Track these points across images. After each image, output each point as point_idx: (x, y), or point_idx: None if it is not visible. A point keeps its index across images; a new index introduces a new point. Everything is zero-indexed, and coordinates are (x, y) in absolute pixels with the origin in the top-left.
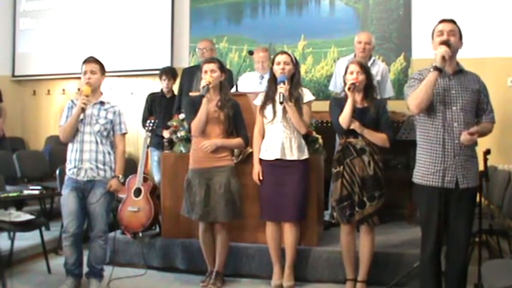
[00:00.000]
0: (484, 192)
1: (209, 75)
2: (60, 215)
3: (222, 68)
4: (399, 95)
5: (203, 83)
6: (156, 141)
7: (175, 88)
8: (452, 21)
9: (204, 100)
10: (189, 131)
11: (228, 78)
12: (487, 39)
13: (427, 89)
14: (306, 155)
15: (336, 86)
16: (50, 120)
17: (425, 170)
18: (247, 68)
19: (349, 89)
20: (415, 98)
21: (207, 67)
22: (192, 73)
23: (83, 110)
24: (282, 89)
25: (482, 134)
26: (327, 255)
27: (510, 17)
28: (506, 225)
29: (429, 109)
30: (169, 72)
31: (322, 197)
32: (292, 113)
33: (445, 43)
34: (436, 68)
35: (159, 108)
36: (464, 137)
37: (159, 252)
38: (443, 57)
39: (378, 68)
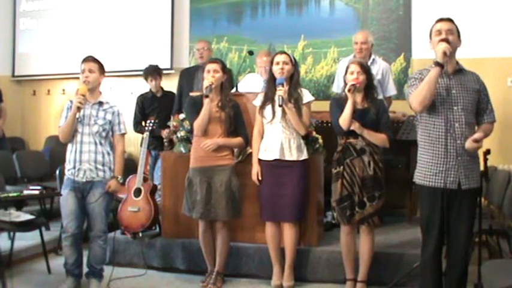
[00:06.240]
0: (484, 192)
1: (212, 76)
2: (60, 215)
3: (224, 68)
4: (399, 95)
5: (206, 83)
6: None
7: (163, 85)
8: (450, 20)
9: (207, 100)
10: (189, 131)
11: (228, 78)
12: (487, 39)
13: (429, 85)
14: (305, 156)
15: (338, 88)
16: (50, 120)
17: (427, 171)
18: (247, 68)
19: (349, 90)
20: (417, 95)
21: (210, 67)
22: (191, 74)
23: (79, 109)
24: (281, 91)
25: (485, 136)
26: (327, 255)
27: (510, 17)
28: (506, 225)
29: (430, 109)
30: (155, 72)
31: (322, 197)
32: (292, 115)
33: (445, 41)
34: (437, 64)
35: (151, 108)
36: (470, 144)
37: (159, 252)
38: (444, 53)
39: (378, 67)
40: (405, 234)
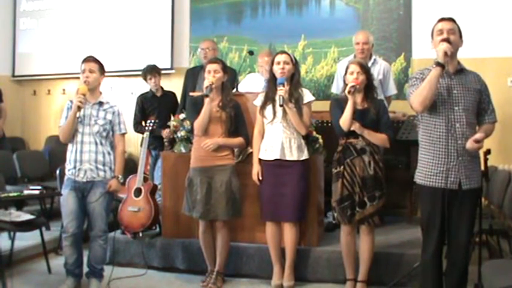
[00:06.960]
0: (484, 192)
1: (212, 76)
2: (60, 215)
3: (224, 68)
4: (399, 94)
5: (206, 83)
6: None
7: (163, 84)
8: (452, 20)
9: (207, 100)
10: (189, 130)
11: (231, 78)
12: (487, 39)
13: (430, 85)
14: (305, 156)
15: (338, 88)
16: (50, 120)
17: (428, 171)
18: (248, 68)
19: (349, 92)
20: (418, 95)
21: (210, 67)
22: (195, 74)
23: (79, 108)
24: (282, 91)
25: (486, 136)
26: (327, 255)
27: (510, 17)
28: (506, 225)
29: (431, 109)
30: (153, 70)
31: (322, 197)
32: (292, 115)
33: (446, 40)
34: (438, 64)
35: (152, 108)
36: (471, 145)
37: (159, 252)
38: (445, 53)
39: (379, 67)
40: (405, 234)
